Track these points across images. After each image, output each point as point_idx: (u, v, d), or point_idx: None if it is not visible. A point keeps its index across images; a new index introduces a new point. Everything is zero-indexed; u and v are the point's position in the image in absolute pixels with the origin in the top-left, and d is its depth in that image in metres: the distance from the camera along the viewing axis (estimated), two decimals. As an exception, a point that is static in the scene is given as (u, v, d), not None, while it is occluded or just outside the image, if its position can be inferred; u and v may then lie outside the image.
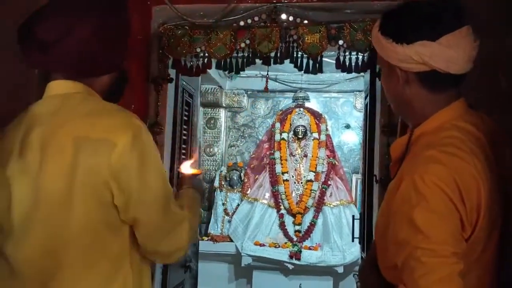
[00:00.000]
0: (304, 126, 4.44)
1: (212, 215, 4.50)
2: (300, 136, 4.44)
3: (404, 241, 0.86)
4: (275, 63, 2.32)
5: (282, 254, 4.04)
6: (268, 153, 4.53)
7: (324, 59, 2.47)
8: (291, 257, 4.02)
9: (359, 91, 4.44)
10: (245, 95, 4.76)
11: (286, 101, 4.74)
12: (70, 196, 0.97)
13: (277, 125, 4.51)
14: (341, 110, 4.68)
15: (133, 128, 1.01)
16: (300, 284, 3.61)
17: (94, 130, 0.98)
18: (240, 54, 2.34)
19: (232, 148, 4.82)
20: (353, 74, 4.40)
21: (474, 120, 0.97)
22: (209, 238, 4.38)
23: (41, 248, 1.00)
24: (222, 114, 4.78)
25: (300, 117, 4.47)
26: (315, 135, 4.44)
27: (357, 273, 1.18)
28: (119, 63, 1.14)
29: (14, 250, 1.02)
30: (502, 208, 0.92)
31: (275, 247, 4.13)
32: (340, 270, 3.97)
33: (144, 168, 1.01)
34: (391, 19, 1.01)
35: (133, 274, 1.07)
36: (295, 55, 2.30)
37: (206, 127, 4.76)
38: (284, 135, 4.48)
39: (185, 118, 2.75)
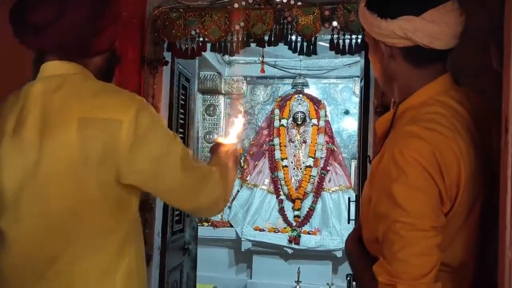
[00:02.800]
0: (303, 112, 4.45)
1: (212, 201, 4.54)
2: (299, 122, 4.46)
3: (384, 215, 0.88)
4: (269, 45, 2.32)
5: (281, 239, 4.09)
6: (267, 139, 4.56)
7: (321, 43, 2.47)
8: (290, 241, 4.07)
9: (358, 76, 4.43)
10: (244, 81, 4.77)
11: (285, 88, 4.75)
12: (76, 172, 0.99)
13: (276, 111, 4.53)
14: (340, 96, 4.69)
15: (135, 104, 1.02)
16: (299, 268, 3.65)
17: (98, 110, 1.00)
18: (235, 36, 2.35)
19: (232, 134, 4.84)
20: (352, 60, 4.44)
21: (458, 96, 0.97)
22: (209, 223, 4.42)
23: (41, 223, 1.02)
24: (221, 101, 4.79)
25: (299, 104, 4.49)
26: (314, 121, 4.46)
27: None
28: (111, 43, 1.16)
29: (10, 225, 1.04)
30: (485, 184, 0.92)
31: (275, 232, 4.17)
32: (339, 254, 4.01)
33: (154, 137, 1.03)
34: None
35: (137, 252, 1.09)
36: (289, 37, 2.30)
37: (205, 114, 4.78)
38: (283, 122, 4.50)
39: (182, 102, 2.76)
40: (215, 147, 1.38)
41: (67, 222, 1.02)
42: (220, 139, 1.39)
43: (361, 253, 1.03)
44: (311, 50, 2.34)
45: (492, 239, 0.98)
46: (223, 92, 4.75)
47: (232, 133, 1.44)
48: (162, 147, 1.04)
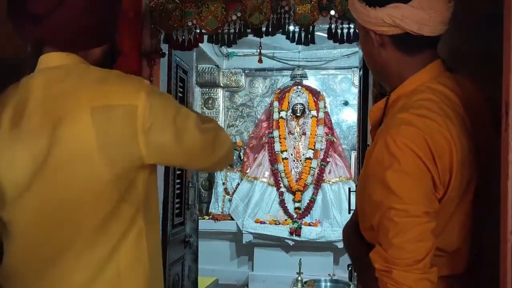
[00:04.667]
0: (302, 104, 4.44)
1: (213, 194, 4.54)
2: (298, 114, 4.45)
3: (378, 202, 0.88)
4: (266, 35, 2.31)
5: (282, 231, 4.09)
6: (267, 132, 4.55)
7: (319, 33, 2.45)
8: (291, 233, 4.07)
9: (357, 67, 4.42)
10: (243, 74, 4.75)
11: (284, 80, 4.73)
12: (90, 161, 0.97)
13: (275, 103, 4.52)
14: (339, 87, 4.67)
15: (144, 87, 1.02)
16: (300, 259, 3.65)
17: (110, 97, 0.98)
18: (231, 27, 2.33)
19: (231, 128, 4.84)
20: (350, 50, 4.42)
21: (449, 83, 0.97)
22: (210, 217, 4.43)
23: (48, 214, 1.01)
24: (220, 94, 4.78)
25: (298, 95, 4.47)
26: (314, 112, 4.44)
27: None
28: (111, 35, 1.15)
29: (15, 217, 1.03)
30: (478, 168, 0.93)
31: (276, 224, 4.17)
32: (340, 245, 4.01)
33: (169, 112, 1.03)
34: None
35: (146, 232, 1.08)
36: (286, 27, 2.29)
37: (204, 107, 4.77)
38: (283, 114, 4.49)
39: (180, 94, 2.75)
40: None
41: (76, 212, 1.01)
42: None
43: (358, 241, 1.03)
44: (309, 40, 2.33)
45: (485, 224, 0.98)
46: (221, 85, 4.74)
47: None
48: (178, 118, 1.04)
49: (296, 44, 2.34)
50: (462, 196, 0.92)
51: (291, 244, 4.09)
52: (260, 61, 2.84)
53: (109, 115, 0.97)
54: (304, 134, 4.45)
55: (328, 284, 3.34)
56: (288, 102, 4.49)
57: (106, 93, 0.99)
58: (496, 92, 0.82)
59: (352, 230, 1.08)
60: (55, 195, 1.00)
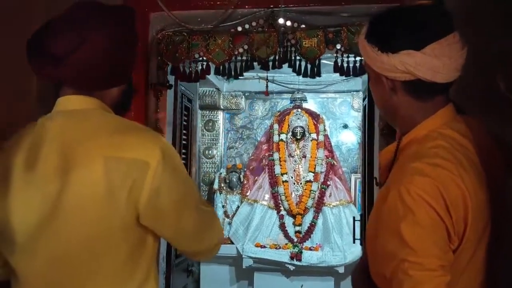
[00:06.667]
0: (302, 127, 4.45)
1: (213, 217, 4.51)
2: (298, 137, 4.45)
3: (392, 253, 0.87)
4: (273, 68, 2.33)
5: (283, 255, 4.06)
6: (267, 154, 4.54)
7: (322, 60, 2.48)
8: (292, 258, 4.04)
9: (356, 91, 4.45)
10: (243, 96, 4.77)
11: (283, 102, 4.75)
12: (100, 211, 0.97)
13: (275, 126, 4.52)
14: (339, 110, 4.70)
15: (160, 145, 1.01)
16: (302, 285, 3.63)
17: (123, 149, 0.98)
18: (238, 59, 2.35)
19: (231, 150, 4.83)
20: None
21: (461, 128, 0.97)
22: (210, 240, 4.39)
23: (57, 262, 1.00)
24: (220, 116, 4.78)
25: (298, 118, 4.49)
26: (314, 135, 4.45)
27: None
28: (129, 74, 1.15)
29: (24, 263, 1.02)
30: (492, 215, 0.92)
31: (276, 248, 4.14)
32: (341, 270, 3.98)
33: (177, 182, 1.03)
34: (376, 27, 1.00)
35: (156, 279, 1.09)
36: (293, 59, 2.31)
37: (204, 130, 4.76)
38: (283, 136, 4.49)
39: (184, 122, 2.76)
40: None
41: (85, 262, 1.00)
42: None
43: (369, 285, 1.02)
44: (315, 72, 2.35)
45: (501, 270, 0.97)
46: (221, 107, 4.74)
47: None
48: (183, 191, 1.05)
49: (303, 76, 2.36)
50: (477, 245, 0.91)
51: (291, 269, 4.05)
52: (266, 93, 2.85)
53: (120, 167, 0.97)
54: (304, 157, 4.46)
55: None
56: (288, 125, 4.50)
57: (120, 144, 0.99)
58: (506, 131, 0.81)
59: (362, 274, 1.07)
60: (63, 244, 0.99)
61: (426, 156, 0.91)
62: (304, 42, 2.26)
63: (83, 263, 1.00)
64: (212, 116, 4.76)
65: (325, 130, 4.50)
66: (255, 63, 2.30)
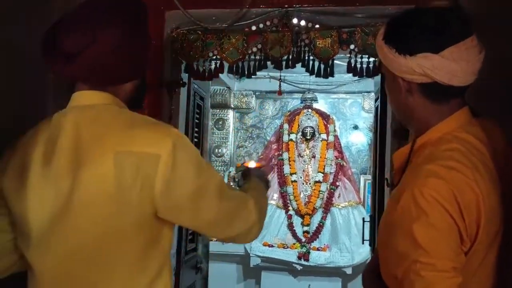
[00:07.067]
0: (312, 127, 4.45)
1: (221, 215, 4.52)
2: (308, 137, 4.46)
3: (404, 254, 0.87)
4: (286, 67, 2.33)
5: (290, 255, 4.07)
6: (276, 154, 4.55)
7: (335, 61, 2.47)
8: (299, 258, 4.05)
9: (367, 92, 4.45)
10: (253, 96, 4.78)
11: (294, 102, 4.76)
12: (112, 205, 0.98)
13: (285, 126, 4.53)
14: (349, 111, 4.70)
15: (171, 137, 1.01)
16: (309, 285, 3.64)
17: (135, 143, 0.98)
18: (252, 58, 2.35)
19: (241, 149, 4.85)
20: (361, 75, 4.45)
21: (476, 131, 0.97)
22: (218, 238, 4.40)
23: (71, 256, 1.01)
24: (231, 115, 4.80)
25: (308, 118, 4.49)
26: (323, 136, 4.46)
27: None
28: (142, 69, 1.15)
29: (39, 257, 1.03)
30: (504, 220, 0.92)
31: (284, 248, 4.15)
32: (349, 271, 3.99)
33: (191, 172, 1.02)
34: (395, 29, 1.00)
35: (169, 274, 1.10)
36: (306, 59, 2.31)
37: (214, 128, 4.78)
38: (292, 136, 4.50)
39: (196, 121, 2.77)
40: (246, 172, 1.38)
41: (97, 258, 1.01)
42: (250, 163, 1.41)
43: (379, 286, 1.02)
44: (328, 73, 2.35)
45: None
46: (232, 106, 4.76)
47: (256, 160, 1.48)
48: (199, 181, 1.03)
49: (316, 76, 2.36)
50: (489, 248, 0.91)
51: (299, 269, 4.06)
52: (279, 93, 2.86)
53: (131, 161, 0.97)
54: (314, 157, 4.46)
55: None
56: (298, 125, 4.51)
57: (132, 138, 1.00)
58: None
59: (372, 274, 1.07)
60: (76, 239, 1.00)
61: (441, 159, 0.91)
62: (318, 42, 2.25)
63: (95, 258, 1.00)
64: (223, 115, 4.78)
65: (335, 130, 4.50)
66: (268, 63, 2.30)
